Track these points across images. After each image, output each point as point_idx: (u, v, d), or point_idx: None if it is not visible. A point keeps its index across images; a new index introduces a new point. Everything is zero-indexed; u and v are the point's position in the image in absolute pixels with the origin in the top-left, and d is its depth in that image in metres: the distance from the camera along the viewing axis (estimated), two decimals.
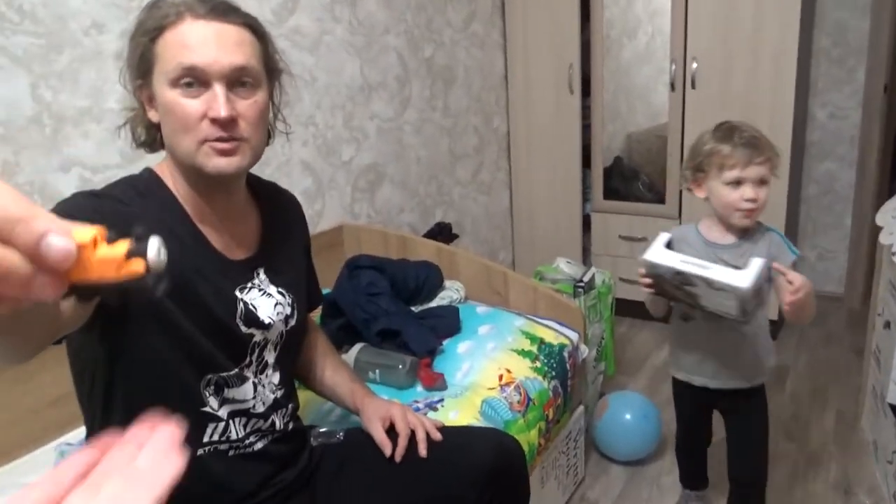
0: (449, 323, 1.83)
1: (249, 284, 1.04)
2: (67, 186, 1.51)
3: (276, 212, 1.15)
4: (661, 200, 3.03)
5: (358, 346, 1.68)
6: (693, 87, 2.78)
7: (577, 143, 3.12)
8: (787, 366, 2.74)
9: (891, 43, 2.82)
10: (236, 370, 1.03)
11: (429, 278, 1.99)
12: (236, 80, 0.92)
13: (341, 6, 2.21)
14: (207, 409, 1.00)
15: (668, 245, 1.43)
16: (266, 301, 1.06)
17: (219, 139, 0.92)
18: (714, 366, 1.54)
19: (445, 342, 1.79)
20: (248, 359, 1.04)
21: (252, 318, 1.03)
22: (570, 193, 3.22)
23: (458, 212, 2.98)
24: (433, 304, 1.99)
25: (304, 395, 1.29)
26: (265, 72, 0.98)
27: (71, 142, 1.52)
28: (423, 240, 2.24)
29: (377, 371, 1.63)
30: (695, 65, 2.75)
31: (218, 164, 0.93)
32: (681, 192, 2.94)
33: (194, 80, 0.90)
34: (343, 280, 1.86)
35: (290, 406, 1.13)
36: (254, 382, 1.05)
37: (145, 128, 0.99)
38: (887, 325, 2.04)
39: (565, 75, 3.04)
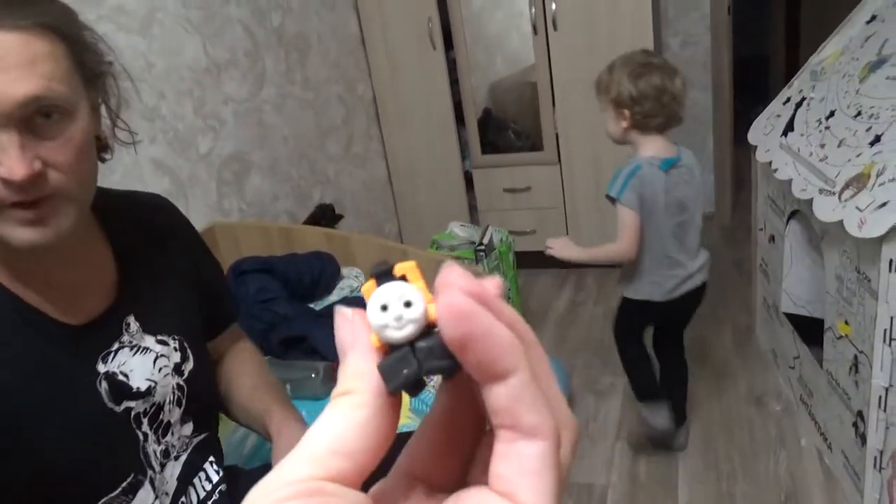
0: None
1: (116, 345, 0.80)
2: None
3: (136, 230, 0.88)
4: (539, 147, 3.00)
5: None
6: (555, 28, 2.73)
7: (448, 99, 3.00)
8: None
9: None
10: (127, 481, 0.80)
11: (324, 270, 1.82)
12: (34, 115, 0.65)
13: None
14: None
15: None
16: (141, 360, 0.82)
17: (19, 205, 0.65)
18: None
19: None
20: (138, 442, 0.81)
21: (123, 391, 0.79)
22: (448, 153, 3.12)
23: (336, 190, 2.79)
24: (334, 297, 1.83)
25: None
26: (83, 83, 0.71)
27: None
28: (309, 227, 2.05)
29: (287, 386, 1.45)
30: (553, 5, 2.70)
31: (26, 237, 0.67)
32: (557, 135, 2.92)
33: None
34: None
35: (212, 461, 0.94)
36: (151, 479, 0.83)
37: None
38: (772, 238, 2.13)
39: (425, 30, 2.89)
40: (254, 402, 0.99)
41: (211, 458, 0.94)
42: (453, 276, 0.22)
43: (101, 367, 0.78)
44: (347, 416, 0.22)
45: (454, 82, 3.01)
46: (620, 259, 1.72)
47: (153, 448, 0.84)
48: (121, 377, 0.79)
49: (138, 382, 0.81)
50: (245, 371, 1.05)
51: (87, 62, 0.71)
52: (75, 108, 0.69)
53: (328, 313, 1.68)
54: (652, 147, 1.64)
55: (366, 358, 0.23)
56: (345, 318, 0.24)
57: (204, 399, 0.94)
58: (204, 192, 2.06)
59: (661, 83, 1.58)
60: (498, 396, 0.21)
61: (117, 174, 1.71)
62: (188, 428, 0.90)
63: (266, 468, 1.07)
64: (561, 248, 1.76)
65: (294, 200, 2.49)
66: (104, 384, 0.78)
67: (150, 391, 0.82)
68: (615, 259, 1.75)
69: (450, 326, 0.21)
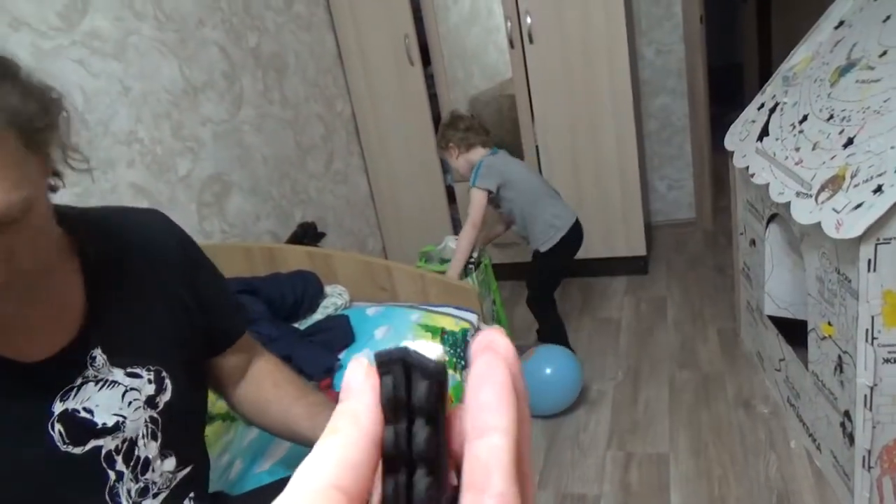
0: (341, 334, 1.66)
1: (80, 380, 0.75)
2: None
3: (118, 251, 0.82)
4: (519, 157, 3.01)
5: None
6: (531, 41, 2.76)
7: (427, 114, 3.01)
8: (664, 297, 2.85)
9: None
10: None
11: (307, 289, 1.81)
12: None
13: (142, 0, 1.92)
14: None
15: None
16: (108, 395, 0.77)
17: None
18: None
19: (342, 356, 1.63)
20: (105, 484, 0.77)
21: (86, 428, 0.74)
22: (429, 167, 3.12)
23: (318, 207, 2.78)
24: (318, 315, 1.81)
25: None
26: (34, 152, 0.63)
27: None
28: (291, 247, 2.03)
29: None
30: (529, 19, 2.72)
31: None
32: (537, 147, 2.94)
33: None
34: None
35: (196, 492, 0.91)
36: None
37: None
38: (752, 242, 2.14)
39: (402, 46, 2.91)
40: (316, 426, 0.95)
41: (192, 495, 0.90)
42: (496, 336, 0.24)
43: (58, 407, 0.73)
44: (339, 455, 0.22)
45: (433, 97, 3.02)
46: (473, 234, 2.21)
47: (127, 487, 0.79)
48: (83, 414, 0.75)
49: (104, 418, 0.76)
50: (288, 394, 1.00)
51: (31, 123, 0.62)
52: (25, 210, 0.61)
53: (312, 333, 1.67)
54: (478, 152, 2.33)
55: (365, 402, 0.23)
56: (359, 364, 0.25)
57: (184, 431, 0.89)
58: (184, 215, 2.04)
59: (451, 121, 2.36)
60: (479, 451, 0.21)
61: (94, 199, 1.69)
62: (170, 463, 0.85)
63: (252, 495, 1.05)
64: (449, 276, 2.16)
65: (276, 220, 2.48)
66: (58, 426, 0.73)
67: (118, 426, 0.78)
68: (471, 237, 2.21)
69: (480, 343, 0.23)
